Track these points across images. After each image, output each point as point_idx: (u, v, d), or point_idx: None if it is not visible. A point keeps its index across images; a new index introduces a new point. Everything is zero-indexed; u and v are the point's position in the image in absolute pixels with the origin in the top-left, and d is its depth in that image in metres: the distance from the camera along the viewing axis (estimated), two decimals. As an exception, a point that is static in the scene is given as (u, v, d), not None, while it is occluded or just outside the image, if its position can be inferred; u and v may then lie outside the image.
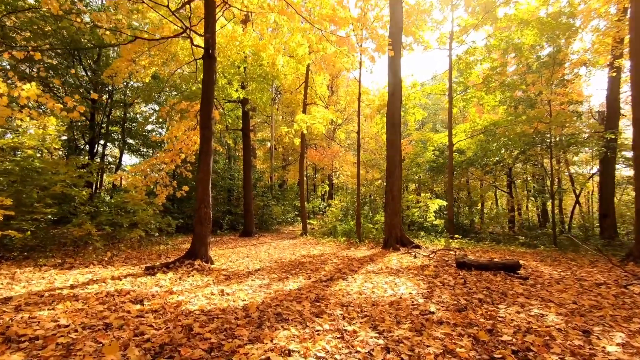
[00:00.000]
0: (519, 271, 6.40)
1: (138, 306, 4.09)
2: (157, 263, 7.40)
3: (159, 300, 4.36)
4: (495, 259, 8.05)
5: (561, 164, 20.14)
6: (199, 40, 9.14)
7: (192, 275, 5.95)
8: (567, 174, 21.83)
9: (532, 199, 22.56)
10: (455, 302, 4.51)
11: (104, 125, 18.97)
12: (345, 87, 30.00)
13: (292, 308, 4.20)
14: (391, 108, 11.44)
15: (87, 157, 15.56)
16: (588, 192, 26.02)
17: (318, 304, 4.43)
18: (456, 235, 12.34)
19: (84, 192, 10.42)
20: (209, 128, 7.38)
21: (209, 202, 7.25)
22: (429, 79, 19.99)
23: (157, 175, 10.09)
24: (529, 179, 24.52)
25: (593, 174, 22.36)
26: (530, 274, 6.32)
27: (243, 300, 4.55)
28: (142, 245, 10.29)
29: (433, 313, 4.08)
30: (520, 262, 6.73)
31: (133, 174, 10.04)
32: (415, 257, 8.38)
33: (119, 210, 11.19)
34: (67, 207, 10.25)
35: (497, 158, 17.53)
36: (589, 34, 15.75)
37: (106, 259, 7.63)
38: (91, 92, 17.54)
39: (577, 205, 20.98)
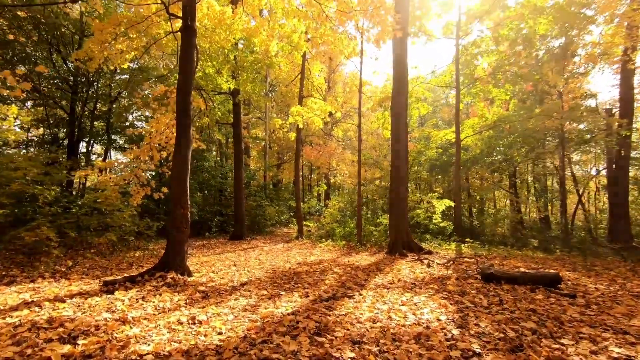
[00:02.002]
0: (559, 285, 5.30)
1: (67, 348, 2.90)
2: (125, 275, 6.19)
3: (102, 337, 3.17)
4: (520, 268, 6.97)
5: (565, 162, 19.16)
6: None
7: (160, 294, 4.76)
8: (569, 173, 20.94)
9: (535, 199, 21.61)
10: (502, 335, 3.38)
11: (87, 120, 17.64)
12: (343, 83, 28.91)
13: (284, 347, 3.04)
14: (397, 98, 10.34)
15: (57, 154, 14.20)
16: (588, 193, 25.24)
17: (320, 338, 3.27)
18: (467, 239, 11.25)
19: (49, 191, 9.17)
20: (186, 114, 6.20)
21: (186, 202, 6.06)
22: (428, 74, 18.86)
23: (131, 171, 8.88)
24: (529, 179, 23.60)
25: (596, 174, 21.51)
26: (575, 290, 5.21)
27: (219, 334, 3.38)
28: (115, 251, 9.05)
29: (480, 355, 2.95)
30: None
31: (105, 170, 8.80)
32: (428, 265, 7.26)
33: (92, 211, 9.95)
34: (30, 208, 8.98)
35: (504, 156, 16.52)
36: (600, 26, 14.70)
37: (63, 269, 6.41)
38: (70, 82, 16.29)
39: (581, 206, 20.04)
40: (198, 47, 12.37)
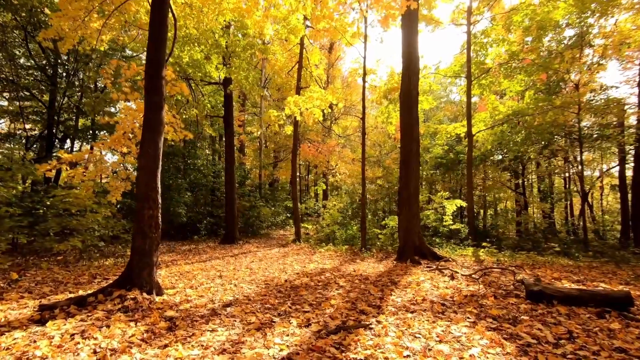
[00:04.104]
0: (630, 308, 4.15)
1: None
2: (79, 293, 4.97)
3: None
4: (562, 280, 5.82)
5: (570, 161, 18.06)
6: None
7: (109, 325, 3.52)
8: (575, 172, 19.95)
9: (539, 200, 20.58)
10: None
11: (67, 114, 16.34)
12: (342, 79, 27.83)
13: None
14: (406, 84, 9.18)
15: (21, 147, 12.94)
16: (592, 194, 24.28)
17: (332, 413, 2.07)
18: (484, 243, 10.09)
19: (7, 189, 7.93)
20: (158, 91, 4.98)
21: (156, 200, 4.84)
22: (435, 64, 17.70)
23: (102, 164, 7.65)
24: (534, 178, 22.59)
25: (600, 175, 20.53)
26: (653, 313, 4.05)
27: (174, 404, 2.18)
28: (83, 258, 7.79)
29: None
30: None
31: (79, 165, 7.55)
32: (452, 277, 6.07)
33: (60, 212, 8.71)
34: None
35: (516, 153, 15.43)
36: (615, 15, 13.57)
37: (2, 284, 5.16)
38: (48, 72, 15.01)
39: (587, 207, 19.02)
40: (186, 29, 11.17)
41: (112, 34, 9.80)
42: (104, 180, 11.04)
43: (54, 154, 14.06)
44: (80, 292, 4.95)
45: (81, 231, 7.82)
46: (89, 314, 3.79)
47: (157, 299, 4.58)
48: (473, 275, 6.02)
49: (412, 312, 4.11)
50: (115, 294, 4.33)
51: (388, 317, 3.93)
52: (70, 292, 4.99)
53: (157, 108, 4.94)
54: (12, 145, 14.18)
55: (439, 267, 6.85)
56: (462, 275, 6.14)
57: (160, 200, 4.93)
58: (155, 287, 4.76)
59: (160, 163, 5.01)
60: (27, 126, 17.77)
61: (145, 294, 4.47)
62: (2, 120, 17.51)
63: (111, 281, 5.48)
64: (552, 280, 6.00)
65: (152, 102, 4.92)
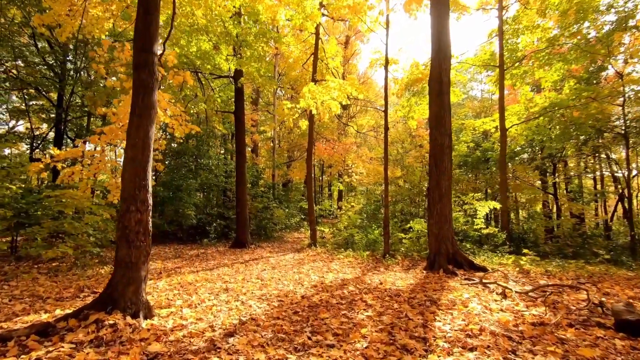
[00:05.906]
0: None
1: None
2: (57, 313, 4.14)
3: None
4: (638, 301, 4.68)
5: (603, 158, 16.44)
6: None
7: (70, 368, 2.65)
8: (608, 173, 18.32)
9: (573, 201, 19.00)
10: None
11: (81, 113, 15.95)
12: (358, 76, 26.84)
13: None
14: (436, 70, 8.12)
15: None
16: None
17: None
18: (524, 250, 8.92)
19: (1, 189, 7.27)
20: (148, 68, 4.11)
21: (146, 201, 3.96)
22: (462, 53, 16.44)
23: (100, 163, 6.90)
24: (561, 177, 21.03)
25: (632, 174, 18.86)
26: None
27: None
28: (76, 266, 7.03)
29: None
30: None
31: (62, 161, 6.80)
32: (505, 296, 4.99)
33: (58, 214, 8.04)
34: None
35: (553, 151, 14.10)
36: None
37: (-32, 301, 4.39)
38: (56, 69, 14.57)
39: (622, 208, 17.31)
40: (192, 16, 10.38)
41: (113, 20, 9.04)
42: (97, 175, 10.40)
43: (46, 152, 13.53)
44: (58, 312, 4.12)
45: (74, 236, 7.06)
46: (50, 349, 2.91)
47: (144, 324, 3.69)
48: (530, 293, 4.93)
49: (471, 350, 3.09)
50: (91, 318, 3.46)
51: (442, 358, 2.93)
52: (46, 312, 4.17)
53: (147, 88, 4.07)
54: (5, 143, 13.76)
55: (483, 281, 5.78)
56: (517, 292, 5.05)
57: (151, 201, 4.05)
58: (143, 307, 3.88)
59: (152, 155, 4.15)
60: (44, 126, 17.49)
61: (129, 318, 3.59)
62: (21, 122, 17.19)
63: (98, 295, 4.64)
64: (628, 299, 4.87)
65: (141, 80, 4.05)
